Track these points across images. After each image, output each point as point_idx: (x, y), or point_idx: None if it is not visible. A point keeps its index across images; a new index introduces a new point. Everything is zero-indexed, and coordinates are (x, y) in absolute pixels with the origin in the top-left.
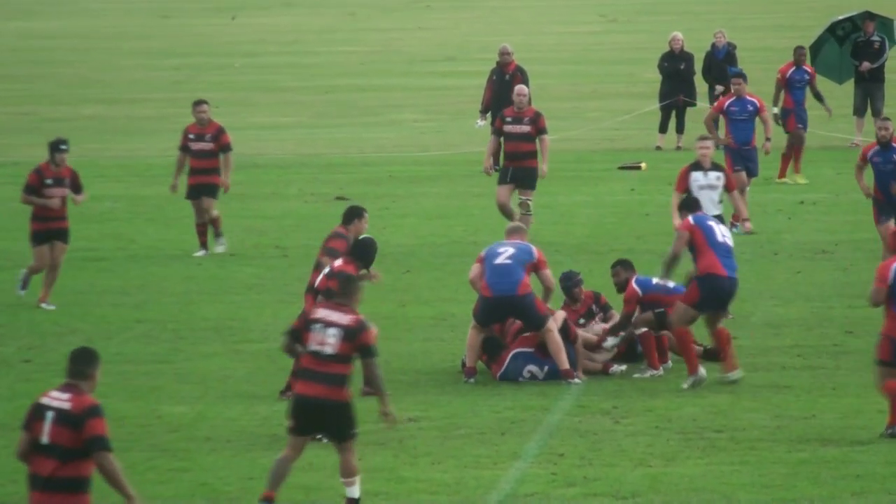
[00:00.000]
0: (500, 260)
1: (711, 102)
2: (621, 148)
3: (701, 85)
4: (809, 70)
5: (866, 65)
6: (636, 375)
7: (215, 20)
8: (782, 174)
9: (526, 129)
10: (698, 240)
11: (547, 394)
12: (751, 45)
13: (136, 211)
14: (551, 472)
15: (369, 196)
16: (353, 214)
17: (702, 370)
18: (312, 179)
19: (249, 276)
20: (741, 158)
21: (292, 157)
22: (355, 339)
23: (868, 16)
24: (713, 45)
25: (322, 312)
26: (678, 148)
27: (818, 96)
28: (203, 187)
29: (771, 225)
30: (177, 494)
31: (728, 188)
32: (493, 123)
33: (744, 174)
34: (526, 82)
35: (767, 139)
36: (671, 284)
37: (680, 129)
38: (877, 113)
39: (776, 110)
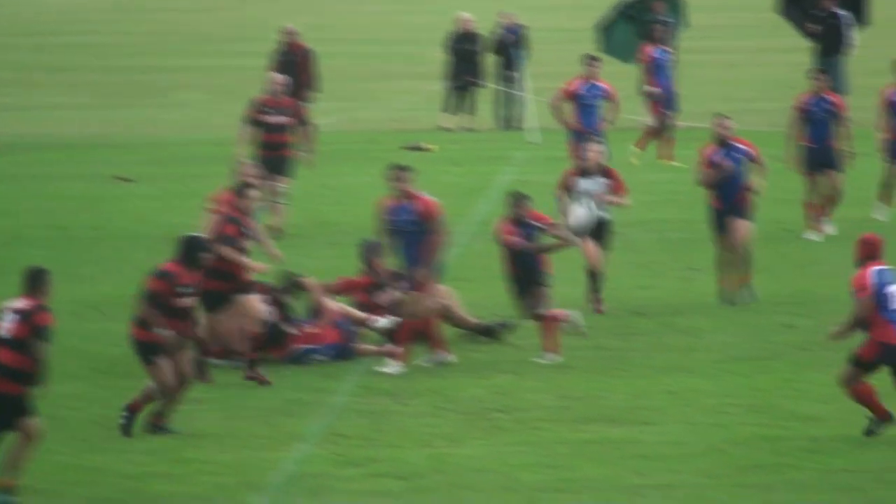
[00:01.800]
0: None
1: (504, 84)
2: (409, 128)
3: (490, 66)
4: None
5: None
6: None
7: None
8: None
9: (283, 119)
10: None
11: (330, 375)
12: (545, 26)
13: None
14: (334, 452)
15: (156, 177)
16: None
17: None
18: (96, 160)
19: (33, 257)
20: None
21: (75, 139)
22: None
23: None
24: (501, 27)
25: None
26: (465, 129)
27: None
28: None
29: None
30: None
31: (618, 191)
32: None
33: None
34: (313, 63)
35: (607, 121)
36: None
37: (468, 110)
38: None
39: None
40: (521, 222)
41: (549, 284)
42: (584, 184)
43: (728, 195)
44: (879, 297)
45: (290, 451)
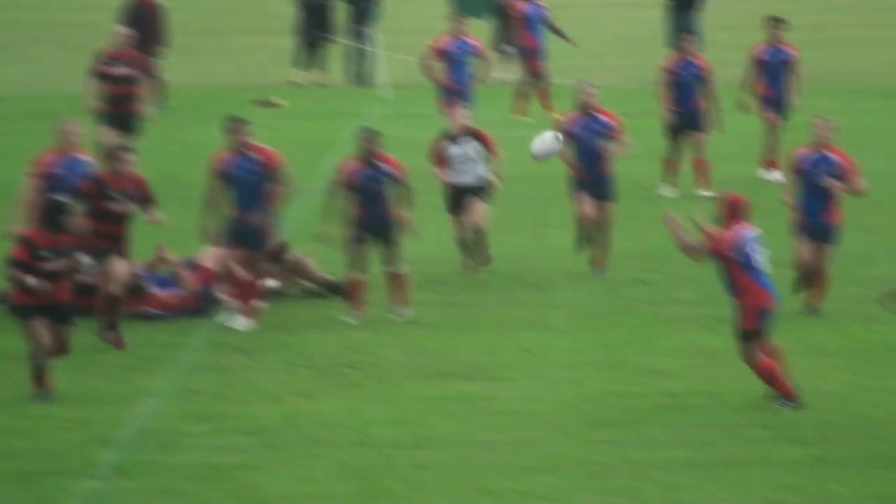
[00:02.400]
0: None
1: (356, 39)
2: (259, 84)
3: (342, 21)
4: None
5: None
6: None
7: None
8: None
9: (127, 71)
10: None
11: (182, 331)
12: None
13: None
14: (185, 408)
15: (5, 132)
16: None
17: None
18: None
19: None
20: (460, 98)
21: None
22: None
23: None
24: None
25: None
26: (316, 84)
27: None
28: None
29: (414, 160)
30: None
31: (490, 152)
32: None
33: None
34: (162, 17)
35: (478, 78)
36: None
37: (318, 66)
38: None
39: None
40: (369, 162)
41: (397, 238)
42: (455, 149)
43: (588, 167)
44: (747, 261)
45: (140, 407)
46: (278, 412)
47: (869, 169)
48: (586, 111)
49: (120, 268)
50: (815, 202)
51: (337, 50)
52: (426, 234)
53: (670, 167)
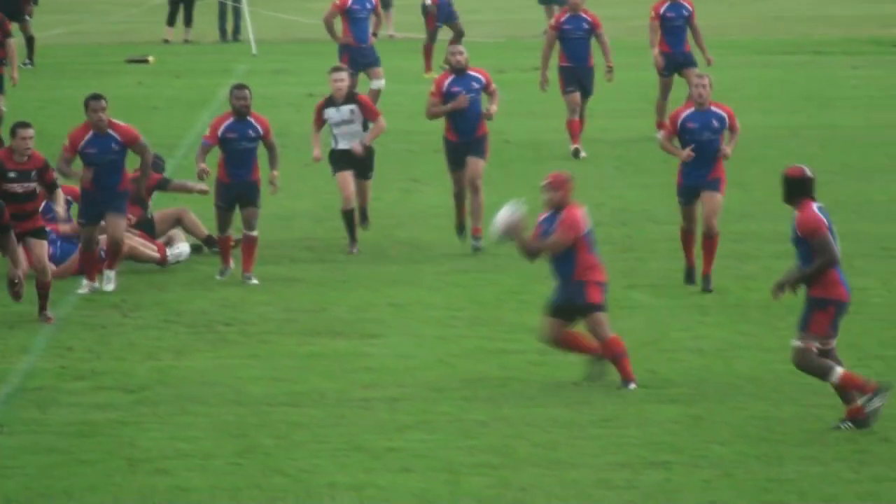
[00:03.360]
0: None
1: None
2: (130, 41)
3: None
4: None
5: None
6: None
7: None
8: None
9: None
10: None
11: (56, 288)
12: None
13: None
14: (60, 365)
15: None
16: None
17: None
18: None
19: None
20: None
21: None
22: None
23: None
24: None
25: None
26: (186, 41)
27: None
28: None
29: (281, 116)
30: None
31: (369, 117)
32: None
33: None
34: None
35: (374, 34)
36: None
37: (188, 23)
38: (385, 5)
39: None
40: (240, 119)
41: (257, 200)
42: (334, 114)
43: (464, 128)
44: (590, 239)
45: (15, 363)
46: (153, 369)
47: (744, 124)
48: (459, 72)
49: (39, 251)
50: (701, 161)
51: (206, 7)
52: (299, 191)
53: (572, 128)
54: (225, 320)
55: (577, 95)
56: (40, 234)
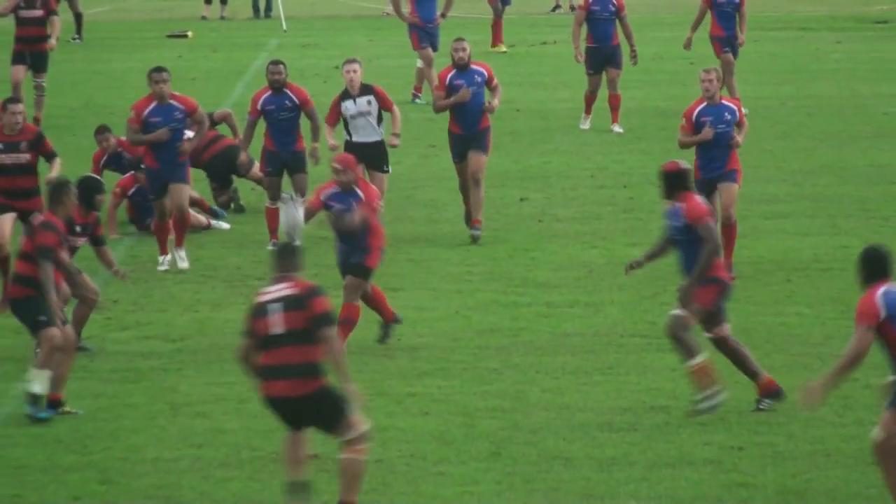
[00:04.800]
0: None
1: None
2: (170, 18)
3: None
4: None
5: None
6: None
7: None
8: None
9: (37, 13)
10: None
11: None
12: None
13: None
14: (106, 316)
15: None
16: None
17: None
18: None
19: None
20: (426, 35)
21: None
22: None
23: None
24: None
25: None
26: (221, 18)
27: None
28: None
29: (309, 87)
30: None
31: (385, 107)
32: None
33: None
34: None
35: (442, 15)
36: None
37: (223, 1)
38: None
39: None
40: (278, 91)
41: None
42: (351, 106)
43: (467, 122)
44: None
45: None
46: (192, 320)
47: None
48: (461, 66)
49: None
50: (713, 154)
51: None
52: (325, 155)
53: (588, 100)
54: (258, 275)
55: (599, 79)
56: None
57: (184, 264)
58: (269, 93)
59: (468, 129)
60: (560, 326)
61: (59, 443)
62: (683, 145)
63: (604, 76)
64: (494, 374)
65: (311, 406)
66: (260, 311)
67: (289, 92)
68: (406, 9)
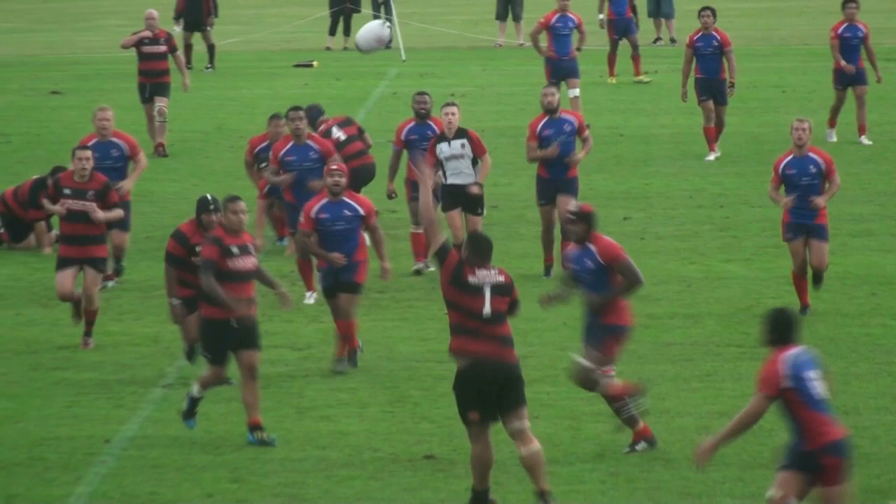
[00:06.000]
0: None
1: (377, 9)
2: (296, 48)
3: None
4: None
5: None
6: None
7: None
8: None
9: (162, 48)
10: None
11: None
12: None
13: None
14: None
15: (80, 90)
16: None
17: None
18: (31, 76)
19: None
20: (559, 70)
21: (12, 58)
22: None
23: None
24: None
25: None
26: (345, 48)
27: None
28: None
29: None
30: None
31: (478, 153)
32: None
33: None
34: None
35: (577, 48)
36: None
37: (346, 32)
38: (517, 18)
39: (602, 17)
40: (422, 121)
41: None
42: (445, 149)
43: (555, 170)
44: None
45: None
46: (317, 330)
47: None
48: (551, 112)
49: (91, 279)
50: (801, 205)
51: (363, 19)
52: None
53: (709, 134)
54: (378, 289)
55: (711, 103)
56: (96, 264)
57: (310, 301)
58: (413, 123)
59: (556, 175)
60: (661, 336)
61: (193, 444)
62: (770, 198)
63: None
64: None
65: (513, 377)
66: (475, 290)
67: (432, 123)
68: (543, 43)
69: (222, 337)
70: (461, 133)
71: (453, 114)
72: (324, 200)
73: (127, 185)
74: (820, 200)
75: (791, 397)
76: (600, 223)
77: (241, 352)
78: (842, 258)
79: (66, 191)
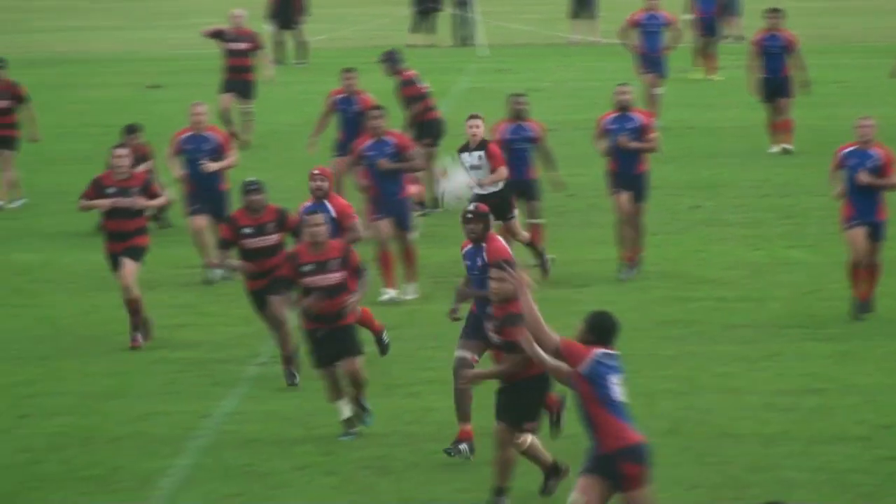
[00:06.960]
0: None
1: (459, 8)
2: (380, 45)
3: None
4: None
5: None
6: None
7: None
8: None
9: (243, 45)
10: None
11: None
12: None
13: None
14: None
15: (177, 84)
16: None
17: None
18: (130, 71)
19: (82, 149)
20: (648, 62)
21: (112, 53)
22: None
23: None
24: None
25: None
26: (430, 45)
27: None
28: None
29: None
30: (24, 326)
31: (493, 164)
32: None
33: (651, 76)
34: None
35: (669, 46)
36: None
37: (431, 30)
38: (592, 16)
39: (687, 17)
40: (517, 122)
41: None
42: (466, 158)
43: (623, 165)
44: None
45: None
46: (402, 312)
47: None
48: (623, 109)
49: (128, 269)
50: (861, 198)
51: (444, 17)
52: None
53: (774, 129)
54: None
55: (770, 106)
56: (134, 253)
57: (410, 296)
58: (509, 123)
59: (625, 170)
60: (729, 319)
61: (286, 419)
62: (832, 184)
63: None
64: (671, 361)
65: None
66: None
67: (526, 125)
68: (632, 40)
69: (314, 346)
70: (482, 145)
71: (478, 126)
72: (308, 204)
73: (212, 165)
74: (864, 176)
75: (586, 391)
76: (670, 211)
77: (341, 361)
78: None
79: (110, 190)
